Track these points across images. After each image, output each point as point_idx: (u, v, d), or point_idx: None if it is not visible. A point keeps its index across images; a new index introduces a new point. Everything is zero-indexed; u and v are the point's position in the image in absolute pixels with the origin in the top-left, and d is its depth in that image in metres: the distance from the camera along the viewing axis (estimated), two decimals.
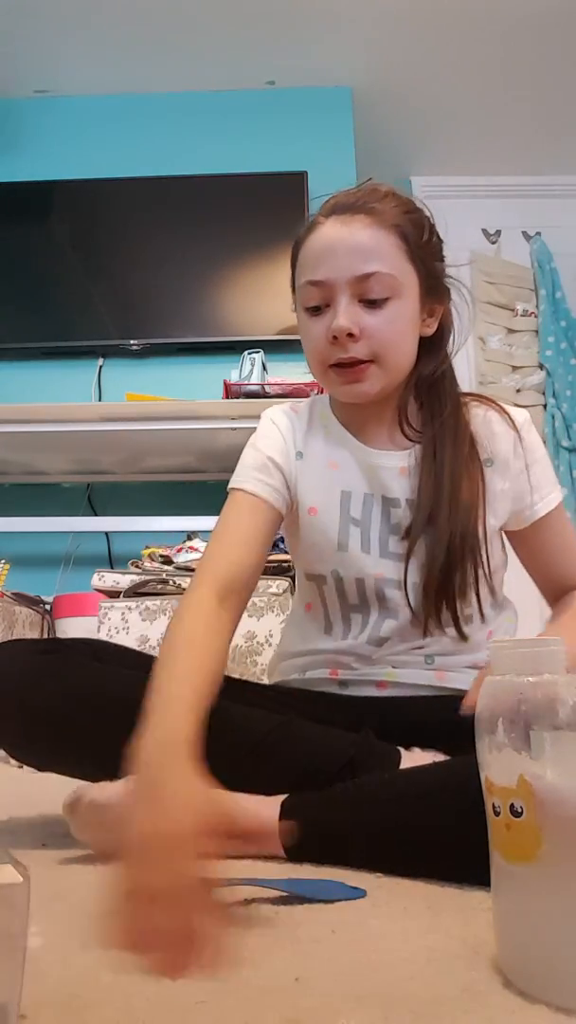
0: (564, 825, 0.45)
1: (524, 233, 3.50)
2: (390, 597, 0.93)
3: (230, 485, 0.98)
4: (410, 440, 0.98)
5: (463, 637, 0.93)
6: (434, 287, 0.95)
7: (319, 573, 0.98)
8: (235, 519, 0.94)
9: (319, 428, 1.02)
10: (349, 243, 0.89)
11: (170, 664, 0.77)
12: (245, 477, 0.97)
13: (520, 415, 1.00)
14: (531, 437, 0.99)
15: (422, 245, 0.93)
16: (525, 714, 0.47)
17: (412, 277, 0.91)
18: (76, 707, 0.81)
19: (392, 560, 0.95)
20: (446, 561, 0.90)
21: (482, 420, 0.98)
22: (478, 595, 0.92)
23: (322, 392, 1.07)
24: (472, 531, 0.91)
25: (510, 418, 0.99)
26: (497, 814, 0.48)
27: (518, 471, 0.97)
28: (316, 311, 0.91)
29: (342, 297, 0.88)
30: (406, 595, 0.93)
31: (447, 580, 0.90)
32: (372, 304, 0.89)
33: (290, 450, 1.00)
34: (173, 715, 0.69)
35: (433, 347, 0.97)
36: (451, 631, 0.93)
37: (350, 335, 0.88)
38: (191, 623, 0.83)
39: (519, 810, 0.46)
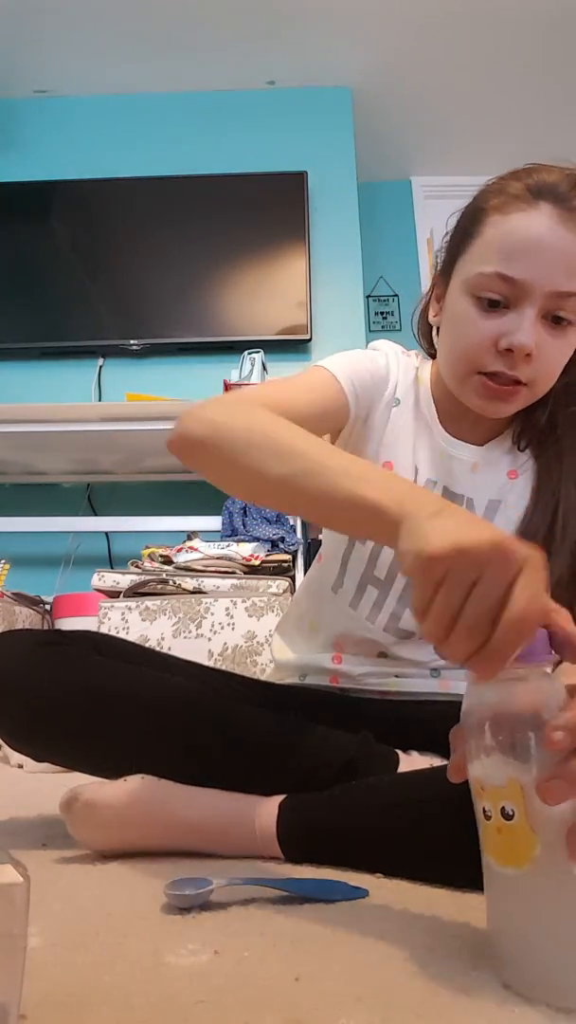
0: (557, 827, 0.45)
1: None
2: None
3: (322, 362, 0.88)
4: (520, 449, 0.91)
5: None
6: None
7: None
8: (306, 388, 0.84)
9: (416, 386, 0.93)
10: (561, 250, 0.75)
11: (303, 435, 0.68)
12: (343, 368, 0.87)
13: None
14: None
15: None
16: (511, 717, 0.47)
17: None
18: (76, 700, 0.81)
19: None
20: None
21: None
22: None
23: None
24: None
25: None
26: (488, 818, 0.47)
27: None
28: (491, 306, 0.78)
29: (530, 308, 0.77)
30: None
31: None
32: (556, 324, 0.78)
33: (391, 388, 0.91)
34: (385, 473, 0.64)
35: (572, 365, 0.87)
36: None
37: (527, 355, 0.77)
38: (266, 416, 0.72)
39: (510, 813, 0.46)
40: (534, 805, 0.45)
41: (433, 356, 0.96)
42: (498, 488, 0.90)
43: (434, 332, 0.94)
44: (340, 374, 0.86)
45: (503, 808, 0.46)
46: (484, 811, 0.48)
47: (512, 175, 0.81)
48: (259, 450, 0.68)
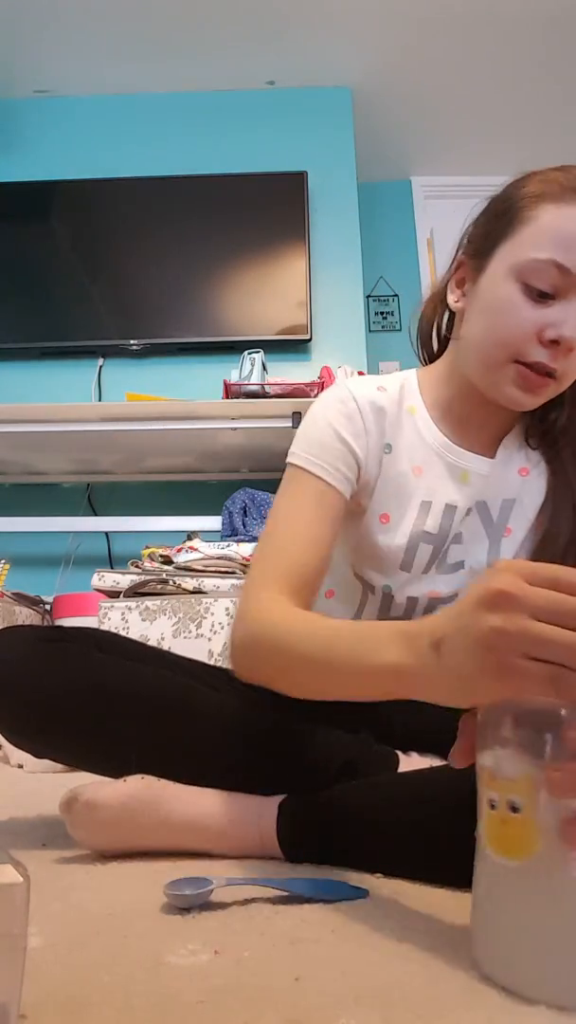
0: (555, 832, 0.45)
1: None
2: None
3: (293, 459, 0.86)
4: (532, 448, 0.90)
5: None
6: None
7: (368, 582, 0.91)
8: (300, 509, 0.83)
9: (407, 420, 0.89)
10: None
11: (299, 629, 0.69)
12: (319, 461, 0.84)
13: None
14: None
15: None
16: (534, 714, 0.47)
17: None
18: (76, 696, 0.80)
19: (448, 573, 0.89)
20: None
21: None
22: None
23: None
24: None
25: None
26: (493, 808, 0.48)
27: None
28: (540, 295, 0.77)
29: None
30: None
31: None
32: None
33: (375, 441, 0.87)
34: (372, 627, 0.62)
35: None
36: None
37: (571, 349, 0.77)
38: (277, 614, 0.74)
39: (518, 807, 0.46)
40: (542, 802, 0.45)
41: (430, 362, 0.95)
42: (512, 487, 0.89)
43: (442, 328, 0.92)
44: (321, 472, 0.83)
45: (511, 801, 0.46)
46: (491, 801, 0.48)
47: (556, 169, 0.80)
48: (284, 675, 0.71)
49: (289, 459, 0.86)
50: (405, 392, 0.91)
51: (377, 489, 0.87)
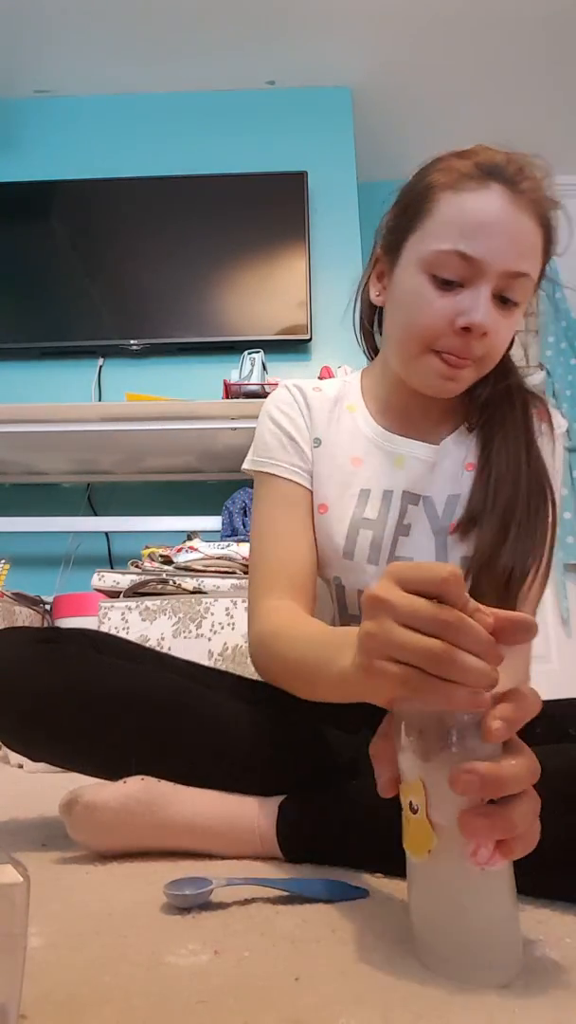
0: (453, 823, 0.47)
1: None
2: None
3: (253, 465, 0.92)
4: (469, 430, 0.92)
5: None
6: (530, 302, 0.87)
7: (325, 577, 0.93)
8: (273, 512, 0.89)
9: (345, 416, 0.94)
10: (515, 231, 0.77)
11: (290, 635, 0.74)
12: (273, 459, 0.91)
13: (560, 425, 0.94)
14: (559, 451, 0.94)
15: (549, 255, 0.84)
16: (419, 719, 0.50)
17: (534, 288, 0.83)
18: (72, 698, 0.80)
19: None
20: (521, 572, 0.81)
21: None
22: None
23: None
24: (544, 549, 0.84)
25: (550, 424, 0.93)
26: (405, 809, 0.51)
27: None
28: (446, 285, 0.79)
29: (485, 287, 0.78)
30: None
31: (512, 592, 0.81)
32: (503, 304, 0.80)
33: (306, 434, 0.93)
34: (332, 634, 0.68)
35: (506, 364, 0.92)
36: None
37: (483, 334, 0.79)
38: (275, 621, 0.79)
39: (415, 808, 0.49)
40: (433, 802, 0.48)
41: (375, 355, 0.97)
42: (456, 482, 0.90)
43: (372, 326, 0.95)
44: (277, 469, 0.90)
45: (411, 802, 0.50)
46: (410, 804, 0.51)
47: (455, 154, 0.82)
48: (284, 679, 0.76)
49: (245, 467, 0.93)
50: (345, 391, 0.96)
51: (313, 480, 0.91)
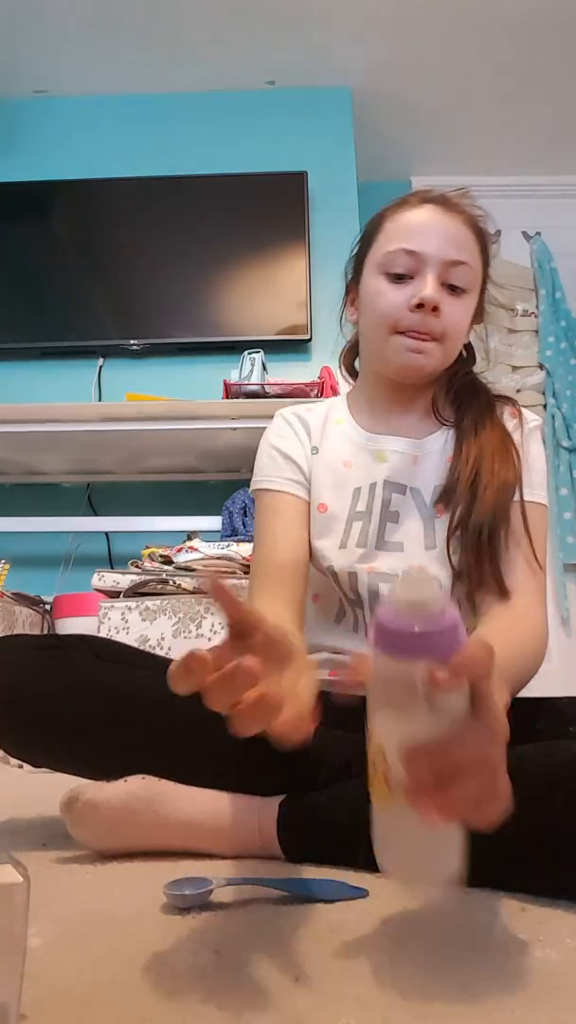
0: (399, 779, 0.49)
1: (524, 233, 3.50)
2: (384, 592, 0.93)
3: (253, 487, 1.04)
4: (441, 422, 1.02)
5: (504, 593, 0.90)
6: (482, 303, 1.03)
7: (326, 567, 0.98)
8: (268, 520, 1.00)
9: (335, 429, 1.06)
10: (447, 229, 0.95)
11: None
12: (266, 476, 1.03)
13: (532, 419, 1.02)
14: (532, 441, 1.00)
15: (488, 259, 1.02)
16: (381, 685, 0.52)
17: (479, 282, 0.99)
18: (73, 704, 0.81)
19: (389, 551, 0.95)
20: (490, 529, 0.90)
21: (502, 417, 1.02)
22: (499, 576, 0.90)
23: (322, 394, 1.13)
24: (509, 502, 0.93)
25: (520, 419, 1.01)
26: (370, 761, 0.55)
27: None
28: (398, 279, 0.95)
29: (430, 274, 0.93)
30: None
31: (485, 540, 0.90)
32: (452, 290, 0.95)
33: (305, 446, 1.04)
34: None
35: (466, 357, 1.06)
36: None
37: (435, 308, 0.92)
38: None
39: (376, 767, 0.53)
40: (391, 763, 0.51)
41: (355, 377, 1.12)
42: (441, 473, 0.98)
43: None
44: (273, 485, 1.01)
45: (372, 760, 0.54)
46: (371, 760, 0.54)
47: (402, 196, 1.02)
48: None
49: (250, 490, 1.06)
50: (332, 409, 1.09)
51: (314, 485, 1.02)
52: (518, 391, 3.30)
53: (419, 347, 0.95)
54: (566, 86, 3.01)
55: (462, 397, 1.03)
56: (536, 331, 3.36)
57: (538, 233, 3.48)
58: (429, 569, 0.52)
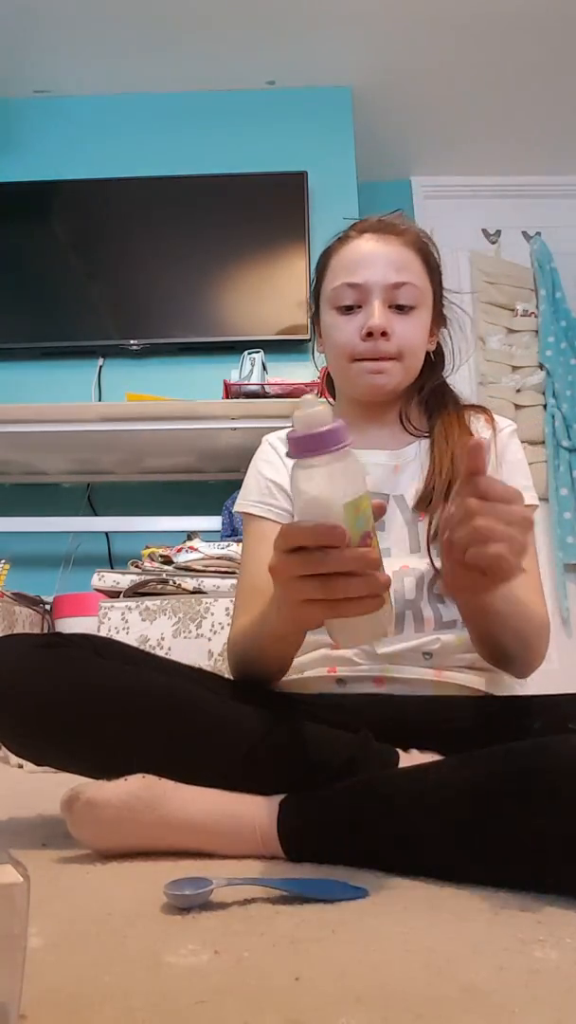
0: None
1: (524, 233, 3.50)
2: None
3: (237, 507, 1.10)
4: (412, 434, 1.07)
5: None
6: (439, 310, 1.08)
7: None
8: (252, 546, 1.05)
9: None
10: (385, 255, 1.01)
11: (250, 626, 0.90)
12: (251, 501, 1.07)
13: (506, 424, 1.07)
14: (510, 443, 1.05)
15: (435, 270, 1.06)
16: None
17: (429, 295, 1.04)
18: (76, 702, 0.81)
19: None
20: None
21: (471, 423, 1.07)
22: None
23: (322, 395, 1.15)
24: None
25: (494, 424, 1.06)
26: None
27: (490, 471, 0.99)
28: (348, 310, 1.02)
29: (376, 300, 0.99)
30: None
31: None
32: (400, 310, 1.00)
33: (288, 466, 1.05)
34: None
35: (433, 364, 1.11)
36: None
37: (383, 333, 0.98)
38: (245, 622, 0.93)
39: None
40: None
41: (334, 399, 1.17)
42: (420, 480, 1.02)
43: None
44: (258, 511, 1.06)
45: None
46: None
47: (344, 231, 1.07)
48: (254, 661, 0.92)
49: (234, 509, 1.11)
50: None
51: None
52: (518, 391, 3.30)
53: (378, 368, 1.00)
54: (566, 86, 3.01)
55: (431, 407, 1.08)
56: (536, 331, 3.36)
57: (538, 233, 3.48)
58: (315, 399, 0.61)
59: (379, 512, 0.66)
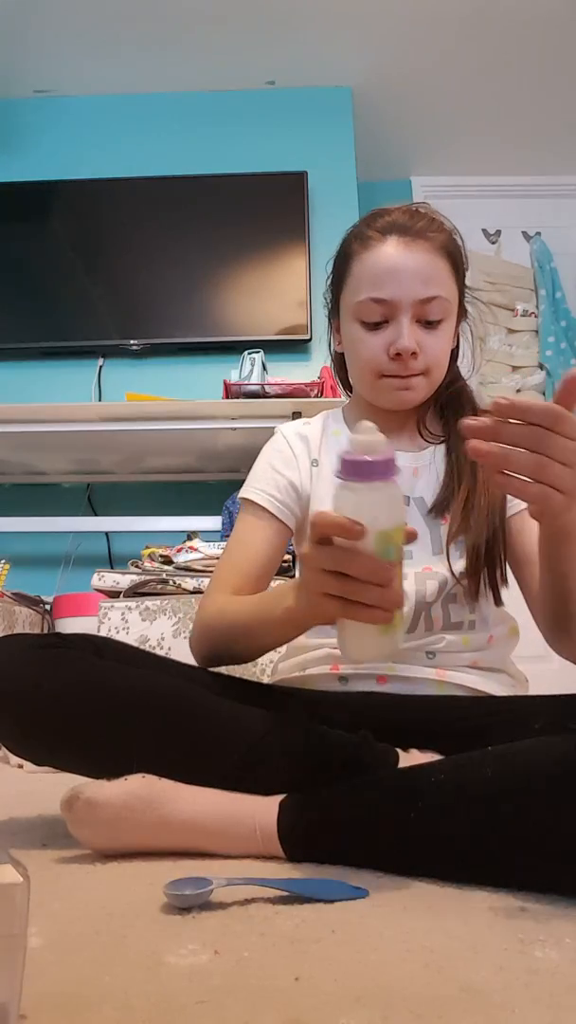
0: None
1: (524, 233, 3.50)
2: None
3: (243, 493, 1.07)
4: (428, 441, 1.05)
5: (499, 603, 0.97)
6: (461, 307, 1.03)
7: None
8: (246, 531, 1.04)
9: (332, 440, 1.09)
10: (413, 267, 0.94)
11: (235, 606, 0.92)
12: (256, 489, 1.05)
13: None
14: None
15: (463, 270, 1.01)
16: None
17: (456, 298, 1.00)
18: (75, 702, 0.81)
19: None
20: (485, 546, 0.94)
21: None
22: (494, 584, 0.96)
23: (322, 394, 1.14)
24: (501, 511, 0.98)
25: None
26: None
27: None
28: (375, 326, 0.96)
29: (404, 317, 0.94)
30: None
31: (481, 555, 0.94)
32: (428, 324, 0.96)
33: (304, 461, 1.07)
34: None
35: (452, 360, 1.06)
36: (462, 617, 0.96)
37: (413, 354, 0.95)
38: (220, 602, 0.96)
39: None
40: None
41: (351, 391, 1.13)
42: (439, 483, 1.02)
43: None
44: (260, 499, 1.04)
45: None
46: None
47: (365, 222, 1.00)
48: (230, 646, 0.94)
49: (239, 495, 1.08)
50: (329, 421, 1.12)
51: (313, 497, 1.04)
52: (518, 391, 3.30)
53: (406, 384, 0.97)
54: (566, 86, 3.01)
55: (448, 412, 1.06)
56: (536, 331, 3.36)
57: (538, 233, 3.48)
58: (374, 426, 0.62)
59: (410, 538, 0.67)
